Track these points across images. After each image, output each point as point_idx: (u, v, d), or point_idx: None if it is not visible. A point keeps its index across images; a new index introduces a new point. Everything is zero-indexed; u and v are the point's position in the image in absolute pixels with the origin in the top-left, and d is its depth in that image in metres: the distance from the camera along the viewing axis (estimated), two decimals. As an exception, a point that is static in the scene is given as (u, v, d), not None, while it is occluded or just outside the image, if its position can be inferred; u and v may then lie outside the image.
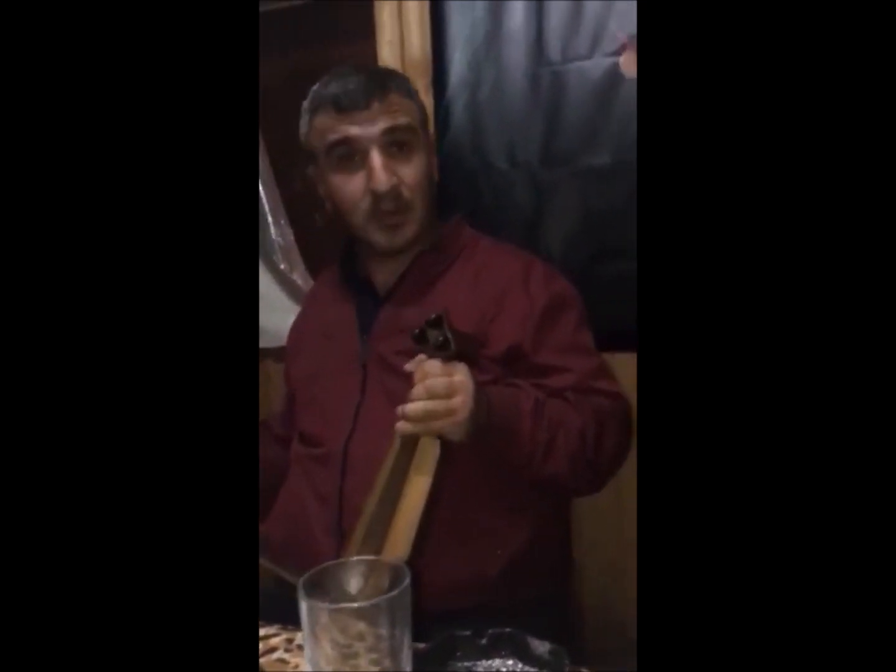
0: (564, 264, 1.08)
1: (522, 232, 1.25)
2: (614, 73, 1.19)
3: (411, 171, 0.89)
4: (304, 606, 0.46)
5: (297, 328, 1.06)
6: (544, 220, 1.27)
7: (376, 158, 0.87)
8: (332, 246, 1.08)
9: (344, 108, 0.87)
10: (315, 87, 0.92)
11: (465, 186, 1.28)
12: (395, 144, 0.88)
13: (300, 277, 1.34)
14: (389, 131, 0.87)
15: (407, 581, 0.47)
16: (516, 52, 1.25)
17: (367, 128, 0.87)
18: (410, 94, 0.92)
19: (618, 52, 1.19)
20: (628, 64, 1.21)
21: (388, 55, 1.31)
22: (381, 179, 0.87)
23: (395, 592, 0.46)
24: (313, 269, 1.36)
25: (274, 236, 1.32)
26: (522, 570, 0.89)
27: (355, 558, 0.51)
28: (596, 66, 1.21)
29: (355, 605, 0.46)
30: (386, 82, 0.89)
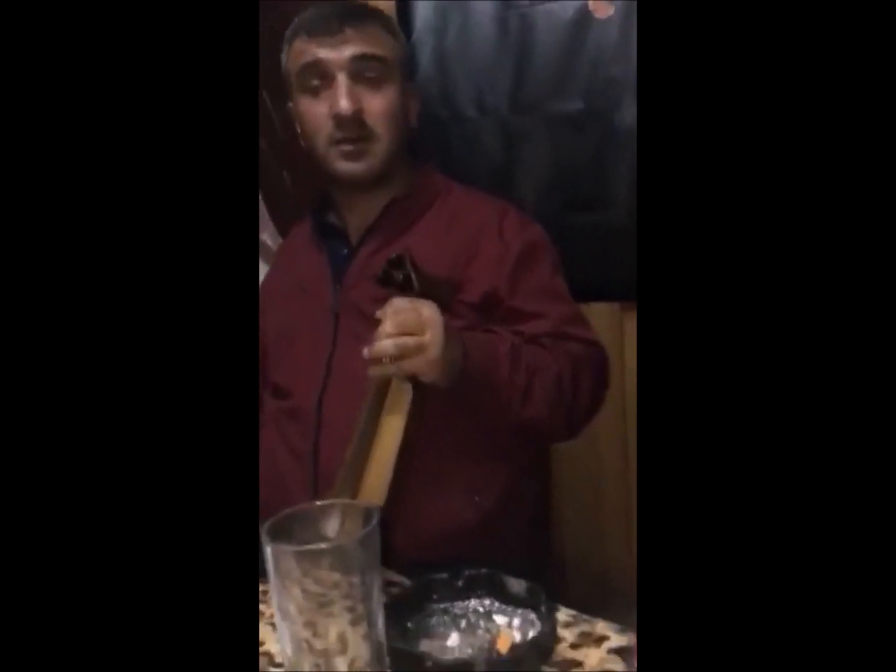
0: (536, 214, 1.06)
1: (493, 181, 1.22)
2: (584, 14, 1.16)
3: (378, 102, 0.88)
4: (268, 552, 0.45)
5: (268, 282, 1.04)
6: (515, 168, 1.24)
7: (342, 82, 0.87)
8: (302, 206, 1.05)
9: (316, 32, 0.88)
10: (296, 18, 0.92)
11: (434, 135, 1.25)
12: (366, 72, 0.87)
13: (270, 238, 1.31)
14: (359, 58, 0.87)
15: (375, 521, 0.46)
16: (482, -7, 1.20)
17: (337, 51, 0.87)
18: (393, 31, 0.92)
19: (588, -8, 1.15)
20: (597, 5, 1.17)
21: None
22: (343, 104, 0.86)
23: (362, 533, 0.45)
24: (283, 230, 1.33)
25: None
26: (502, 519, 0.89)
27: (321, 502, 0.50)
28: (565, 7, 1.17)
29: (323, 545, 0.45)
30: (364, 14, 0.90)
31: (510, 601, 0.58)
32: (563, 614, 0.58)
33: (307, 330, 0.92)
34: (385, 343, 0.71)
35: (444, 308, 0.76)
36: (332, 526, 0.50)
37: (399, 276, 0.71)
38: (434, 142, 1.25)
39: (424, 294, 0.73)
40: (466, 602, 0.59)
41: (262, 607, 0.63)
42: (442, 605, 0.58)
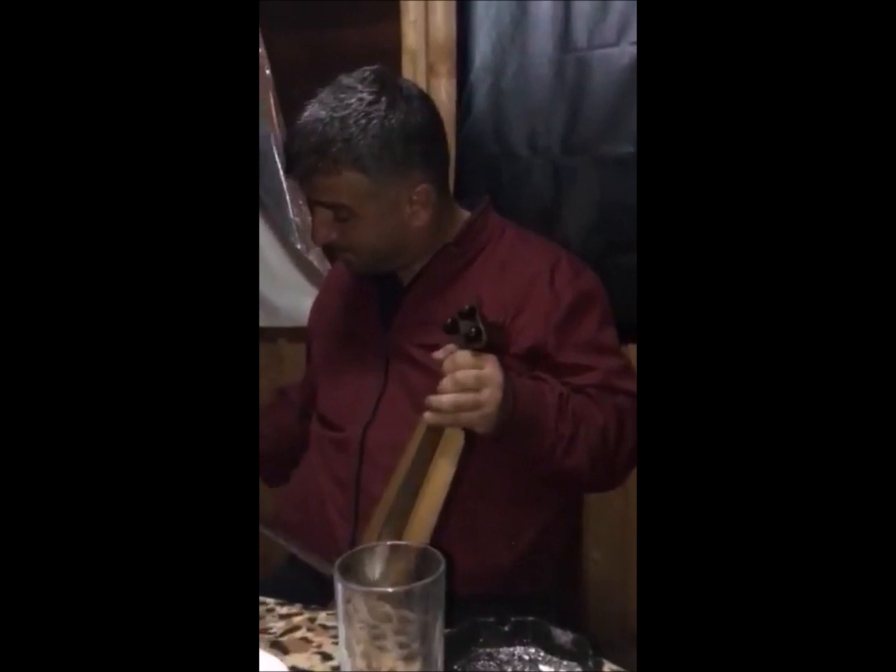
0: (581, 254, 1.07)
1: (540, 219, 1.24)
2: (640, 62, 1.18)
3: (355, 235, 0.87)
4: (339, 588, 0.46)
5: (317, 310, 1.06)
6: (563, 208, 1.26)
7: (318, 213, 0.88)
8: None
9: (290, 168, 0.87)
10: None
11: (485, 172, 1.27)
12: (338, 213, 0.86)
13: (316, 258, 1.34)
14: (328, 204, 0.86)
15: (442, 568, 0.47)
16: (542, 36, 1.23)
17: (309, 191, 0.87)
18: (366, 168, 0.83)
19: (645, 41, 1.17)
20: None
21: (412, 37, 1.30)
22: (315, 235, 0.89)
23: (430, 579, 0.46)
24: (329, 249, 1.36)
25: (292, 216, 1.32)
26: (533, 562, 0.90)
27: (388, 543, 0.52)
28: (622, 53, 1.20)
29: (390, 589, 0.46)
30: (333, 154, 0.82)
31: (556, 651, 0.58)
32: (607, 668, 0.59)
33: (357, 368, 0.94)
34: (444, 399, 0.73)
35: (501, 355, 0.77)
36: (378, 564, 0.52)
37: (469, 327, 0.72)
38: (484, 178, 1.27)
39: (488, 346, 0.74)
40: (512, 648, 0.59)
41: (309, 635, 0.65)
42: (488, 650, 0.59)
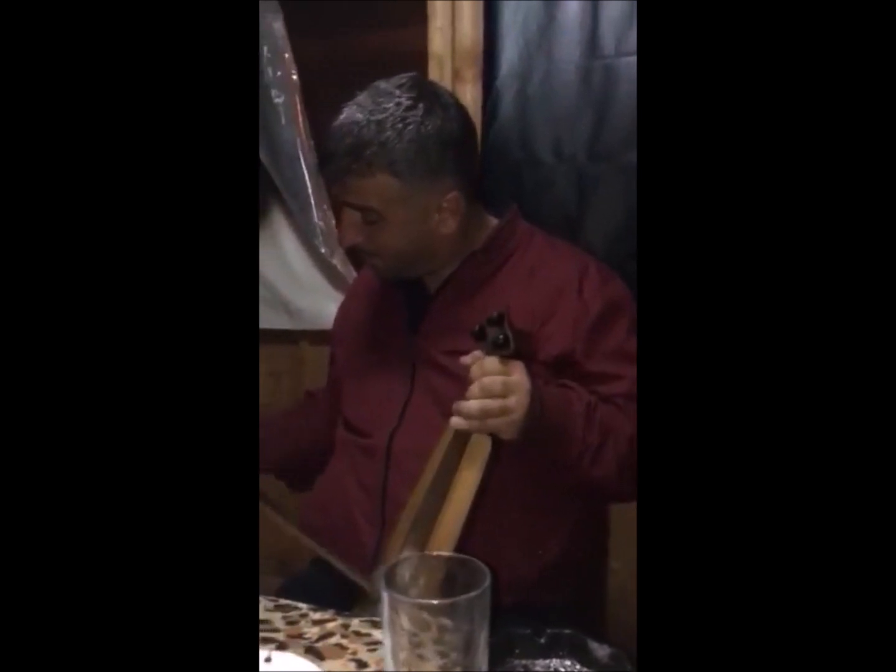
0: (606, 261, 1.07)
1: (564, 226, 1.24)
2: (668, 70, 1.18)
3: (382, 239, 0.88)
4: (385, 598, 0.46)
5: (343, 314, 1.06)
6: (587, 215, 1.26)
7: (346, 215, 0.88)
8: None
9: (323, 168, 0.88)
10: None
11: (509, 178, 1.28)
12: (366, 216, 0.86)
13: (340, 262, 1.34)
14: (357, 206, 0.86)
15: (488, 581, 0.47)
16: (569, 43, 1.23)
17: (339, 192, 0.88)
18: (399, 172, 0.83)
19: (673, 49, 1.17)
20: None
21: (438, 42, 1.30)
22: (342, 238, 0.91)
23: (476, 592, 0.46)
24: (353, 253, 1.36)
25: (316, 220, 1.32)
26: (559, 573, 0.89)
27: (436, 553, 0.52)
28: (649, 61, 1.20)
29: (435, 601, 0.46)
30: (370, 159, 0.82)
31: (592, 665, 0.58)
32: (643, 681, 0.59)
33: (384, 374, 0.94)
34: (472, 404, 0.73)
35: (528, 362, 0.77)
36: (418, 574, 0.52)
37: (497, 334, 0.72)
38: (509, 184, 1.27)
39: (516, 353, 0.74)
40: (548, 661, 0.59)
41: (344, 641, 0.65)
42: (524, 662, 0.59)
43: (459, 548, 0.76)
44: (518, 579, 0.87)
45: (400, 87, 0.84)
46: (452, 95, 0.91)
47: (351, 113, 0.84)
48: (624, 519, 1.24)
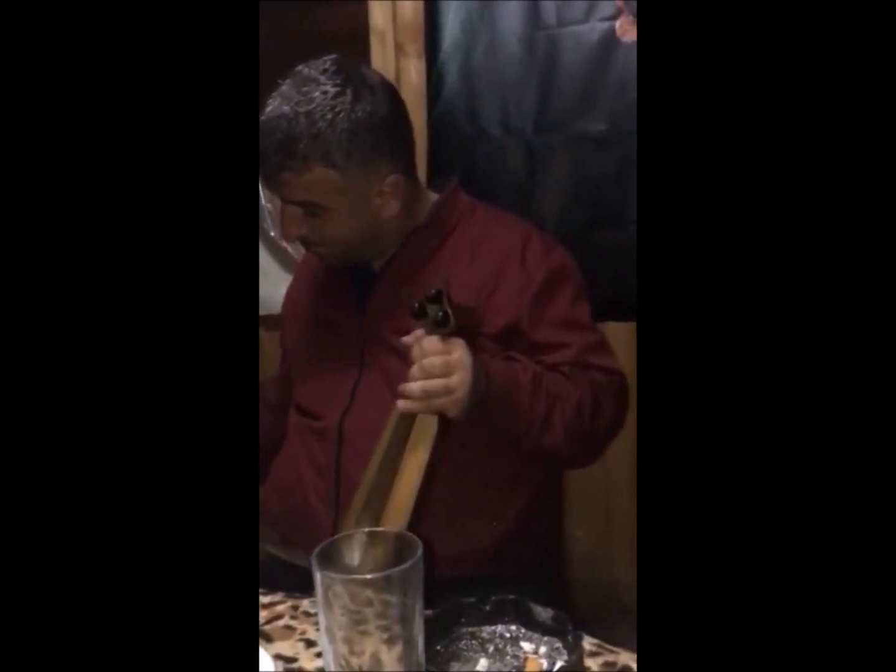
0: (558, 232, 1.07)
1: (516, 199, 1.24)
2: (610, 38, 1.18)
3: (326, 230, 0.87)
4: (317, 578, 0.46)
5: (291, 297, 1.05)
6: (538, 187, 1.26)
7: (286, 210, 0.86)
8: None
9: (261, 168, 0.84)
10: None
11: (458, 152, 1.27)
12: (307, 209, 0.85)
13: (290, 245, 1.32)
14: (296, 201, 0.84)
15: (419, 552, 0.47)
16: (511, 15, 1.22)
17: (277, 190, 0.86)
18: (336, 164, 0.82)
19: (614, 17, 1.16)
20: (624, 29, 1.19)
21: (379, 16, 1.28)
22: (285, 233, 0.89)
23: (407, 564, 0.46)
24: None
25: (264, 202, 1.30)
26: (516, 542, 0.91)
27: (365, 530, 0.52)
28: (591, 30, 1.19)
29: (369, 576, 0.47)
30: (301, 151, 0.80)
31: (536, 628, 0.59)
32: (587, 643, 0.60)
33: (333, 357, 0.93)
34: (414, 386, 0.73)
35: (471, 338, 0.77)
36: (360, 553, 0.52)
37: (437, 311, 0.72)
38: (458, 158, 1.26)
39: (458, 329, 0.74)
40: (494, 627, 0.60)
41: (293, 623, 0.65)
42: (470, 629, 0.60)
43: (415, 522, 0.77)
44: (477, 551, 0.88)
45: (324, 72, 0.82)
46: (378, 74, 0.89)
47: (277, 106, 0.81)
48: (584, 489, 1.26)
